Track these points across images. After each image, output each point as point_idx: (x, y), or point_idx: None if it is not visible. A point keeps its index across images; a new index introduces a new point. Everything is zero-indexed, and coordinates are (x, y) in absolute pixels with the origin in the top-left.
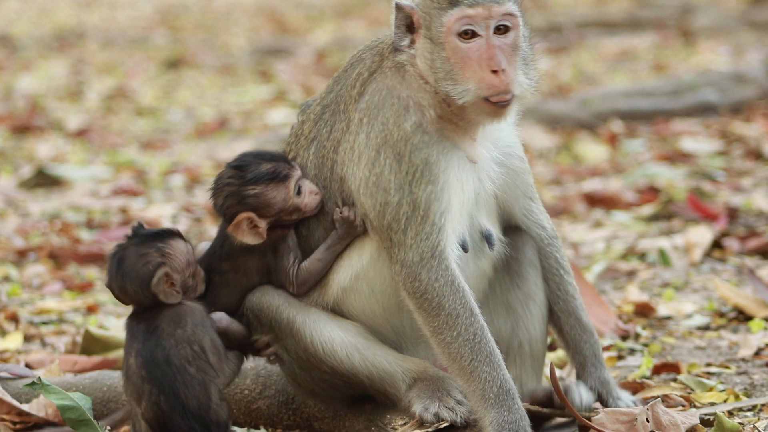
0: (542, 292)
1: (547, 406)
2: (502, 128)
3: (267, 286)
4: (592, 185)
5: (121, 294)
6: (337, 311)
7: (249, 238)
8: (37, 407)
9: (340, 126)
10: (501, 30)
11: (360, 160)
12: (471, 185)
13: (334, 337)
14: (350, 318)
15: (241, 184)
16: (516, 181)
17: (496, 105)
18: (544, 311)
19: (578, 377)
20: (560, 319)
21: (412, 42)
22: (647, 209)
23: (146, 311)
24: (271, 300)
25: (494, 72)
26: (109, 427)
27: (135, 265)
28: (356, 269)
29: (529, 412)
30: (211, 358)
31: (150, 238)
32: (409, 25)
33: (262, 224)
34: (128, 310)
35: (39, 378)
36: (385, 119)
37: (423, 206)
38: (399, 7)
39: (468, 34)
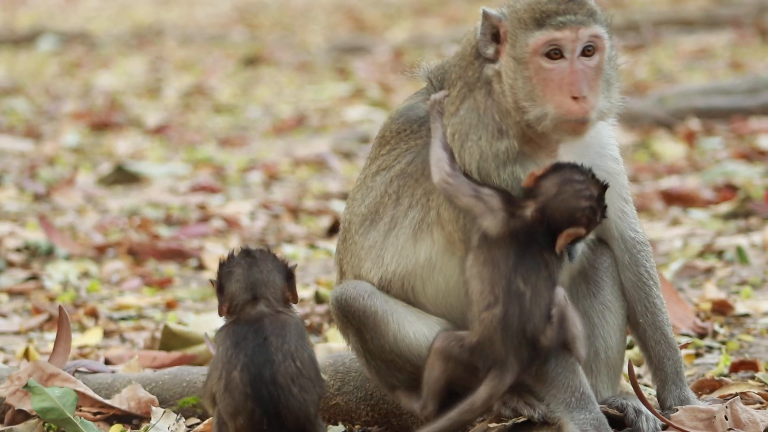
0: (618, 301)
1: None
2: (598, 129)
3: (355, 281)
4: (670, 183)
5: (245, 278)
6: (410, 301)
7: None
8: (119, 401)
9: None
10: (587, 52)
11: None
12: None
13: (419, 337)
14: (425, 308)
15: None
16: (611, 183)
17: (573, 123)
18: (620, 321)
19: (658, 394)
20: (646, 333)
21: (497, 53)
22: (725, 207)
23: (248, 318)
24: (358, 294)
25: (575, 98)
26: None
27: (270, 254)
28: (430, 260)
29: (608, 416)
30: (311, 372)
31: (265, 251)
32: (494, 34)
33: None
34: (207, 305)
35: (29, 381)
36: (476, 137)
37: None
38: (486, 16)
39: (555, 55)
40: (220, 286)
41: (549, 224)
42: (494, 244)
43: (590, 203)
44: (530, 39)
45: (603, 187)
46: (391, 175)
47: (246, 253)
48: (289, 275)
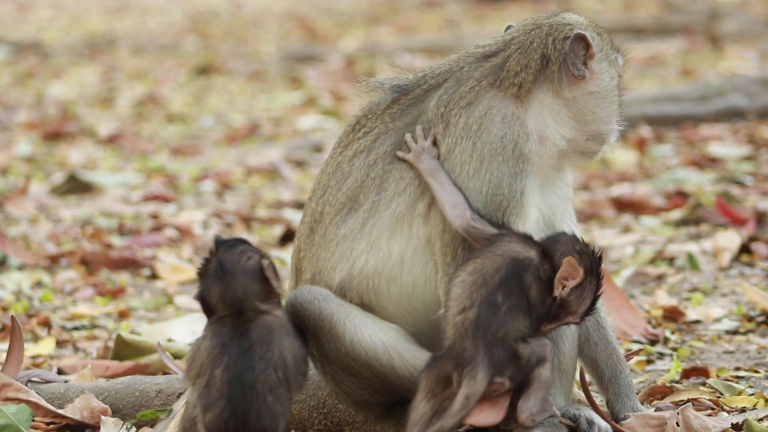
0: None
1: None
2: None
3: (309, 286)
4: (621, 190)
5: (222, 298)
6: (371, 302)
7: None
8: (72, 411)
9: (438, 129)
10: None
11: (455, 170)
12: (537, 214)
13: (375, 341)
14: (384, 310)
15: None
16: (564, 208)
17: (604, 150)
18: (574, 329)
19: (612, 406)
20: (597, 347)
21: (582, 78)
22: (676, 214)
23: (235, 321)
24: (313, 298)
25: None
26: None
27: (239, 261)
28: (402, 258)
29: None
30: (292, 376)
31: (237, 242)
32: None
33: None
34: (160, 314)
35: None
36: (501, 133)
37: None
38: (583, 38)
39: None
40: (203, 303)
41: (549, 262)
42: (488, 258)
43: (586, 250)
44: (618, 62)
45: (601, 258)
46: (374, 157)
47: (219, 265)
48: (264, 276)
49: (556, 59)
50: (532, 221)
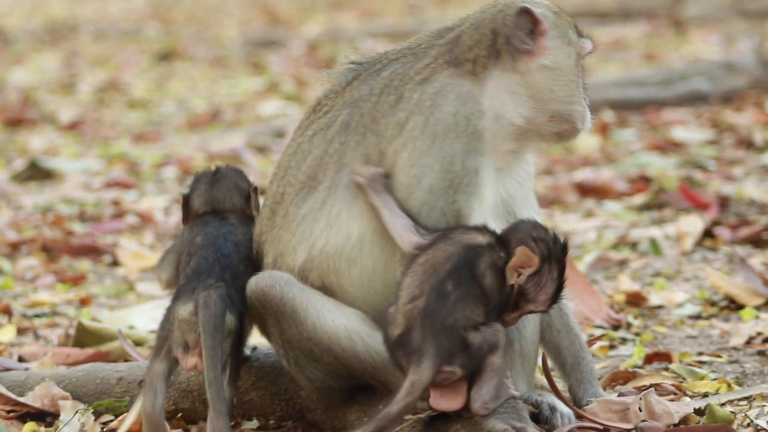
0: None
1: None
2: None
3: (270, 270)
4: (584, 175)
5: (208, 198)
6: (332, 283)
7: None
8: (33, 398)
9: (389, 99)
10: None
11: (407, 145)
12: (494, 197)
13: (338, 325)
14: (345, 292)
15: None
16: (525, 195)
17: (577, 132)
18: (536, 315)
19: (574, 393)
20: (560, 334)
21: (530, 52)
22: (638, 199)
23: (213, 217)
24: (274, 282)
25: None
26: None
27: (234, 176)
28: (363, 240)
29: None
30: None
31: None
32: (531, 31)
33: None
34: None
35: None
36: (454, 110)
37: (457, 216)
38: (528, 11)
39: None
40: (185, 200)
41: (504, 249)
42: (440, 248)
43: (545, 237)
44: (579, 44)
45: (564, 245)
46: (332, 132)
47: (215, 171)
48: (249, 194)
49: (503, 33)
50: (488, 202)
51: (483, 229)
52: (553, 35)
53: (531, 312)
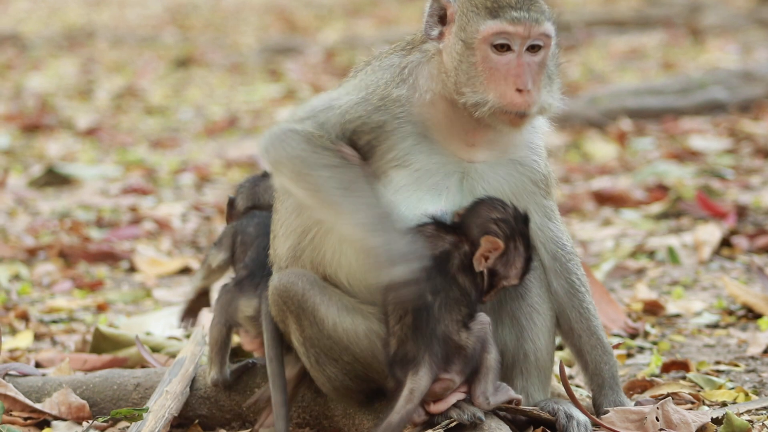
0: (546, 303)
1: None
2: (533, 126)
3: (293, 268)
4: (601, 183)
5: (250, 198)
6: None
7: None
8: (50, 405)
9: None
10: (533, 49)
11: (334, 93)
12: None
13: (358, 324)
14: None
15: None
16: (529, 190)
17: (512, 115)
18: (549, 323)
19: (594, 399)
20: (581, 339)
21: (441, 35)
22: (656, 207)
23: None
24: (297, 279)
25: (519, 90)
26: None
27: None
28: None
29: (540, 420)
30: None
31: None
32: (441, 17)
33: None
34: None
35: None
36: (380, 75)
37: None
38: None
39: (502, 48)
40: (231, 201)
41: (468, 242)
42: None
43: (505, 215)
44: (482, 26)
45: (525, 217)
46: None
47: (262, 173)
48: None
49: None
50: (397, 162)
51: (442, 228)
52: (458, 20)
53: (507, 287)
